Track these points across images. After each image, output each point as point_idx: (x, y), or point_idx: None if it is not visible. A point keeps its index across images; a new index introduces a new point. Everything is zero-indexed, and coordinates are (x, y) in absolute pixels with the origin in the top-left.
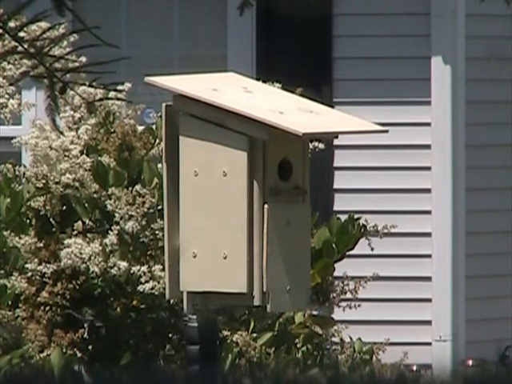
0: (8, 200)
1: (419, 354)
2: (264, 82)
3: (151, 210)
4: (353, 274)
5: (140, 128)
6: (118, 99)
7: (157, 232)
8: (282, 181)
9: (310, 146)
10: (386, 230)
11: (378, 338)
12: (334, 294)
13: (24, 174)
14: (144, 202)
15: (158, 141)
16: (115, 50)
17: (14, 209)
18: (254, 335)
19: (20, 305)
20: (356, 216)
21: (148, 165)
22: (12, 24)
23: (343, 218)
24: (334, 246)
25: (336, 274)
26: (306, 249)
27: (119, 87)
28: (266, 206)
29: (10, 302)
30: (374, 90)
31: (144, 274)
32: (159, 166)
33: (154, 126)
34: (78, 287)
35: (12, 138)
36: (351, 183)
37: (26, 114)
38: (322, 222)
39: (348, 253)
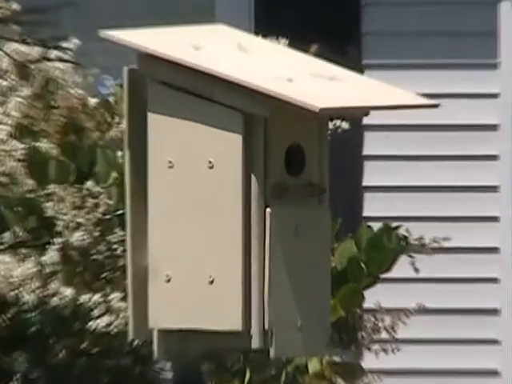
0: None
1: None
2: (265, 37)
3: (107, 216)
4: (389, 304)
5: (93, 101)
6: (62, 61)
7: (115, 246)
8: (291, 175)
9: (330, 125)
10: (435, 244)
11: None
12: (364, 333)
13: None
14: (97, 205)
15: (117, 119)
16: None
17: None
18: None
19: None
20: (394, 224)
21: (103, 153)
22: None
23: (376, 226)
24: (362, 265)
25: (366, 304)
26: (324, 270)
27: (63, 44)
28: (268, 210)
29: None
30: (418, 49)
31: (98, 304)
32: (119, 154)
33: (111, 99)
34: (6, 323)
35: None
36: (387, 178)
37: None
38: (346, 233)
39: (383, 275)
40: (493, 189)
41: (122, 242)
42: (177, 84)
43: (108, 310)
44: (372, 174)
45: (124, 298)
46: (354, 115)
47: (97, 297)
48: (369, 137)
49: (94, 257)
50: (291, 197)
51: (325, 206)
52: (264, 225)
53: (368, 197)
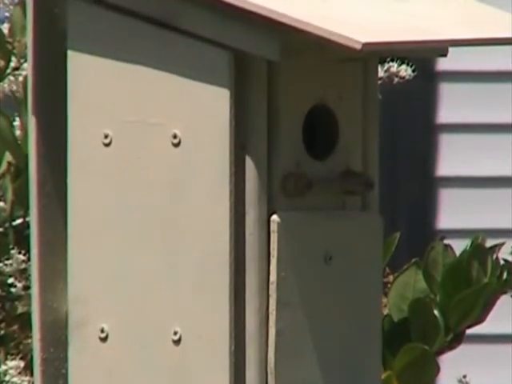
0: None
1: None
2: None
3: None
4: (483, 380)
5: None
6: None
7: (11, 281)
8: (314, 158)
9: (381, 73)
10: None
11: None
12: None
13: None
14: None
15: (14, 62)
16: None
17: None
18: None
19: None
20: (489, 243)
21: None
22: None
23: (460, 245)
24: (436, 313)
25: (443, 380)
26: (370, 320)
27: None
28: (274, 218)
29: None
30: None
31: None
32: (17, 122)
33: (5, 27)
34: None
35: None
36: (479, 163)
37: None
38: (409, 257)
39: (471, 330)
40: None
41: (23, 272)
42: (120, 3)
43: None
44: (453, 157)
45: (26, 370)
46: (424, 55)
47: None
48: (448, 93)
49: None
50: (315, 196)
51: (373, 213)
52: (268, 244)
53: (445, 194)
